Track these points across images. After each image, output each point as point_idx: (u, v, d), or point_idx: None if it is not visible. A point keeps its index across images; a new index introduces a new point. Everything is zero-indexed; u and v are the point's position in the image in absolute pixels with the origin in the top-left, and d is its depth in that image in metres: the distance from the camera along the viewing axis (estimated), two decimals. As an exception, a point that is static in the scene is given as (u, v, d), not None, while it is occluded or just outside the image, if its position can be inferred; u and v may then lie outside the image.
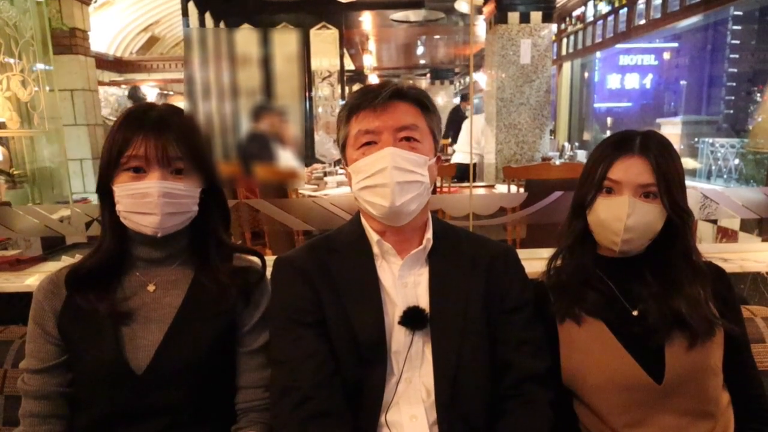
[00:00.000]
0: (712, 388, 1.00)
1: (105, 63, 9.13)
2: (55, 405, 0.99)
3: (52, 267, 1.70)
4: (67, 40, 4.45)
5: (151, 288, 1.03)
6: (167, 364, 0.97)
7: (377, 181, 0.98)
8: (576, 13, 7.94)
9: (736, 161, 6.08)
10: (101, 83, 8.11)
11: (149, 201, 0.95)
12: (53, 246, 2.10)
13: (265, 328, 1.07)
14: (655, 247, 1.05)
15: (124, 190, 0.96)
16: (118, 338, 0.97)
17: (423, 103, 1.04)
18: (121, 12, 8.13)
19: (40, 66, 2.08)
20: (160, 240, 1.00)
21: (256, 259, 1.13)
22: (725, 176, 6.23)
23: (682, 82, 9.85)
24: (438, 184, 3.56)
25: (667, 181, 1.00)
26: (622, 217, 0.99)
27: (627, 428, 0.99)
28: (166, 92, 10.75)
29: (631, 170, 1.01)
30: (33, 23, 2.09)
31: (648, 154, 1.01)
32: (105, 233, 1.02)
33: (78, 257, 1.08)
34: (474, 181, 4.85)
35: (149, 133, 0.95)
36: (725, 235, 3.07)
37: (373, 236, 1.06)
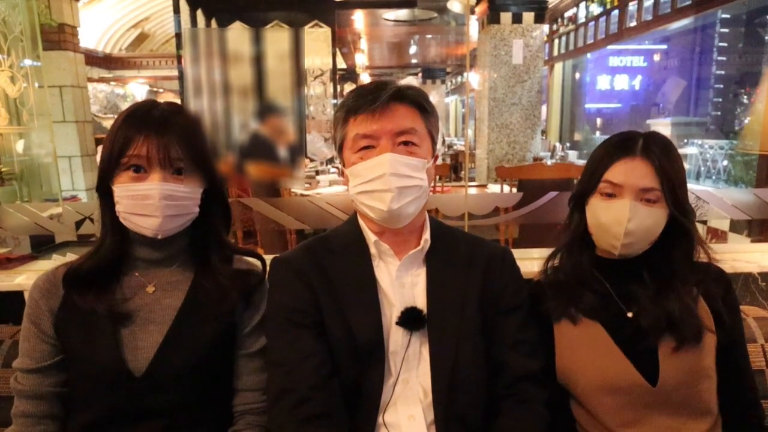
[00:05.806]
0: (706, 390, 1.00)
1: (94, 59, 9.03)
2: (50, 405, 0.97)
3: (42, 266, 1.68)
4: (56, 36, 4.39)
5: (150, 289, 1.01)
6: (166, 367, 0.95)
7: (376, 187, 0.97)
8: (568, 14, 7.99)
9: (725, 162, 6.14)
10: (90, 80, 8.01)
11: (150, 203, 0.93)
12: (42, 244, 2.07)
13: (264, 331, 1.06)
14: (655, 249, 1.04)
15: (125, 190, 0.94)
16: (117, 340, 0.96)
17: (421, 105, 1.02)
18: (111, 8, 8.04)
19: (28, 62, 2.05)
20: (160, 241, 0.98)
21: (256, 262, 1.12)
22: (713, 177, 6.29)
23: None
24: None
25: (671, 182, 0.99)
26: (622, 221, 0.98)
27: (622, 428, 0.99)
28: (156, 89, 10.65)
29: (633, 173, 0.99)
30: (22, 18, 2.06)
31: (651, 156, 0.99)
32: (105, 233, 1.00)
33: (69, 255, 1.06)
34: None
35: (151, 133, 0.93)
36: (715, 235, 3.11)
37: (371, 237, 1.05)
